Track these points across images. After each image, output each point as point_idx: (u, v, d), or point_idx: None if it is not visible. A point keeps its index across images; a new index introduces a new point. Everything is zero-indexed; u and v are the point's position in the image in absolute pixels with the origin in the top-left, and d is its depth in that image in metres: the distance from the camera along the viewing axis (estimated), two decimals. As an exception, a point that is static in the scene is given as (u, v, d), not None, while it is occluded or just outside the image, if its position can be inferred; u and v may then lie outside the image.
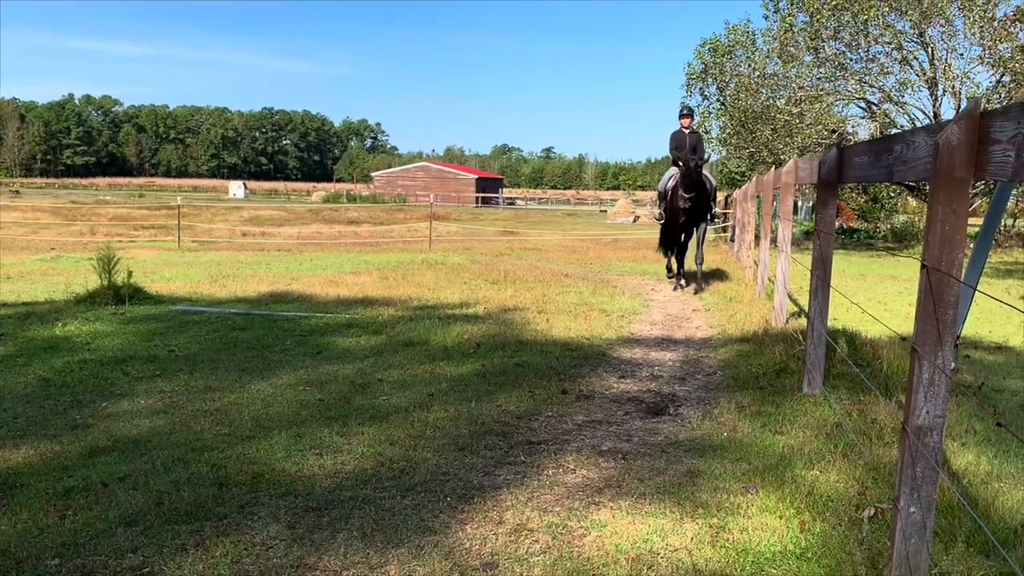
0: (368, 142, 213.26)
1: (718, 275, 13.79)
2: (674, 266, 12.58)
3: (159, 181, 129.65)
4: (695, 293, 11.57)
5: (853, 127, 24.70)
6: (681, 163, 11.27)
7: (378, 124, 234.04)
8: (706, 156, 12.70)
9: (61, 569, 3.02)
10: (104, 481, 3.87)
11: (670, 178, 11.95)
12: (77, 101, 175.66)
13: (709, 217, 11.94)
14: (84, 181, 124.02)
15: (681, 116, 12.10)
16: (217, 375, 6.09)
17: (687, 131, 11.97)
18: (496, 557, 3.15)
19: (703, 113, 28.81)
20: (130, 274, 9.74)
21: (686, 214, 11.39)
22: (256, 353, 6.86)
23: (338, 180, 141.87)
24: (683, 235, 11.97)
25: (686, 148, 11.51)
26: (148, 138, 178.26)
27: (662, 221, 12.40)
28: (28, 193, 68.66)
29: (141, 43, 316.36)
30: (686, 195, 11.07)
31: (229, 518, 3.47)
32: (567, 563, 3.07)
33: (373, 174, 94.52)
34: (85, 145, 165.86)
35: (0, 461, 4.18)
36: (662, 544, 3.23)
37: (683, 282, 12.19)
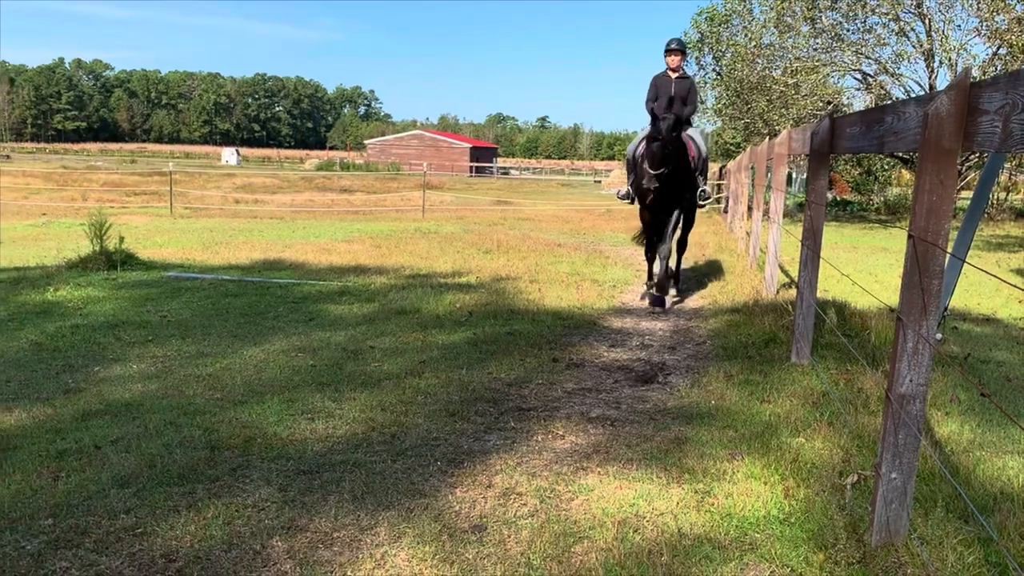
0: (362, 109, 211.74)
1: (711, 246, 13.81)
2: (656, 269, 8.36)
3: (151, 147, 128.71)
4: (665, 305, 8.04)
5: (849, 99, 24.60)
6: (652, 123, 7.63)
7: (372, 92, 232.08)
8: (696, 109, 8.86)
9: (55, 529, 3.06)
10: (97, 444, 3.90)
11: (640, 142, 8.29)
12: (67, 65, 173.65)
13: (694, 197, 8.35)
14: (75, 146, 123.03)
15: (667, 53, 8.43)
16: (209, 341, 6.11)
17: (674, 75, 8.39)
18: (485, 520, 3.20)
19: (698, 83, 28.57)
20: (122, 240, 9.71)
21: (654, 197, 7.85)
22: (248, 319, 6.88)
23: (331, 148, 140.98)
24: (658, 224, 8.21)
25: (668, 98, 8.05)
26: (140, 103, 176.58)
27: (628, 202, 8.73)
28: (19, 158, 68.09)
29: (132, 6, 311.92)
30: (652, 171, 7.38)
31: (221, 480, 3.51)
32: (554, 526, 3.12)
33: (367, 142, 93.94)
34: (76, 110, 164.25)
35: (-7, 424, 4.21)
36: (648, 508, 3.29)
37: (656, 291, 8.11)
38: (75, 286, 8.16)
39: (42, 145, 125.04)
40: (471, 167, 78.27)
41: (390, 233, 15.47)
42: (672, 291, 8.61)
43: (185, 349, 5.86)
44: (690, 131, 8.44)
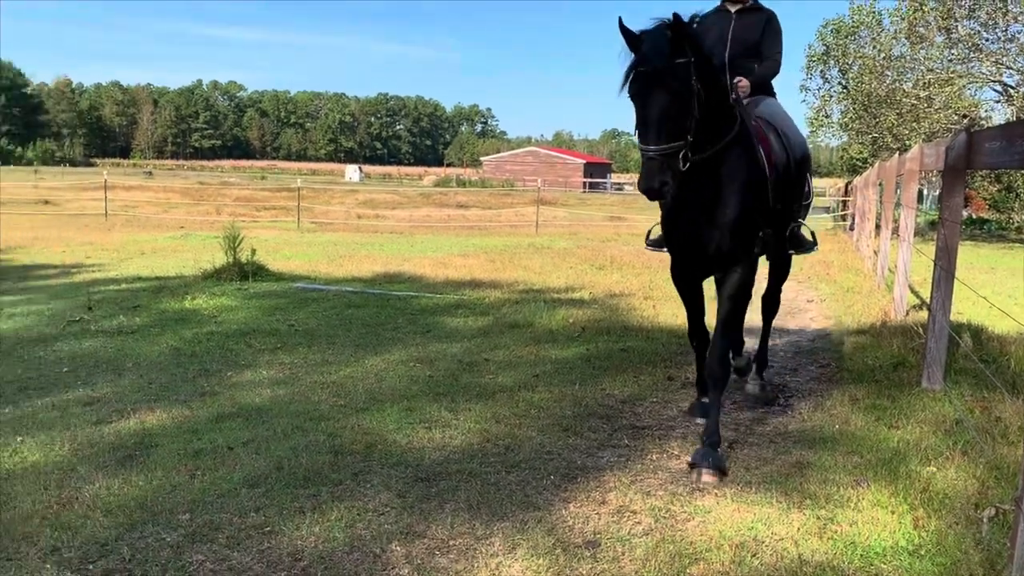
0: (478, 127, 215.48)
1: (836, 265, 13.31)
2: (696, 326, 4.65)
3: (280, 164, 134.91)
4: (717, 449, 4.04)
5: (987, 111, 23.30)
6: None
7: (488, 109, 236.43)
8: (778, 65, 4.88)
9: (192, 523, 3.25)
10: (229, 445, 4.12)
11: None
12: (205, 87, 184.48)
13: (780, 235, 4.66)
14: (211, 163, 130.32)
15: None
16: (334, 349, 6.34)
17: (735, 6, 4.84)
18: (598, 536, 3.19)
19: (823, 97, 27.64)
20: (253, 252, 10.22)
21: (684, 241, 4.24)
22: (370, 330, 7.11)
23: (448, 165, 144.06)
24: (694, 292, 4.58)
25: (722, 49, 4.75)
26: (270, 122, 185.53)
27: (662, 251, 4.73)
28: (160, 174, 72.70)
29: (265, 29, 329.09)
30: (648, 195, 3.60)
31: (344, 484, 3.64)
32: (669, 546, 3.09)
33: (482, 159, 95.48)
34: (212, 129, 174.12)
35: (137, 423, 4.51)
36: (767, 533, 3.20)
37: (709, 401, 4.23)
38: (210, 295, 8.64)
39: (180, 162, 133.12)
40: (585, 183, 78.26)
41: (504, 248, 15.65)
42: (754, 385, 5.34)
43: (311, 357, 6.11)
44: (765, 107, 4.74)
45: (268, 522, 3.27)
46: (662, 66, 3.52)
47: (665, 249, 4.50)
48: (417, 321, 7.58)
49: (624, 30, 3.62)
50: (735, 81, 4.47)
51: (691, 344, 4.70)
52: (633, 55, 3.61)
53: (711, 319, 4.42)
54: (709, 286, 4.68)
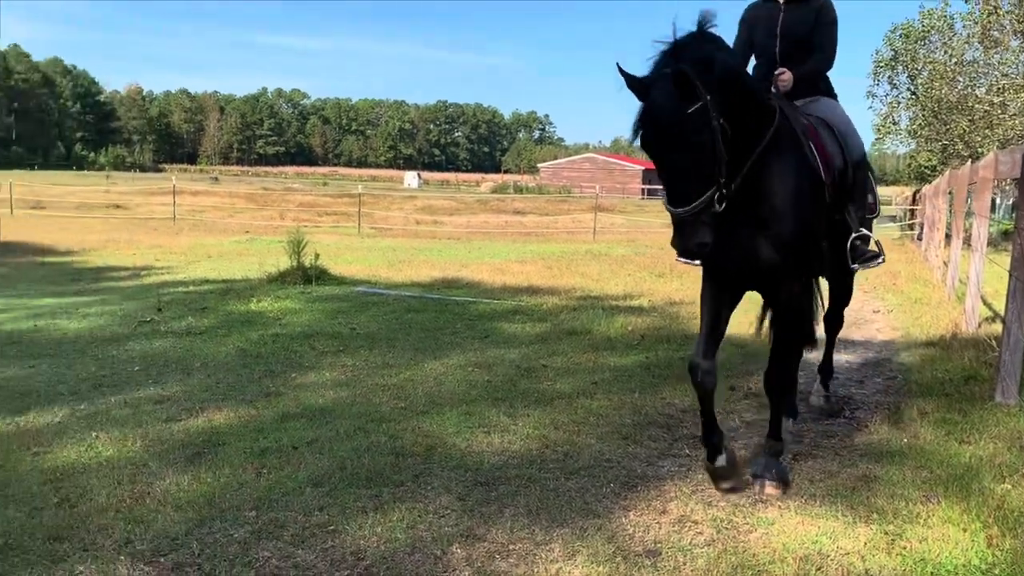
0: (536, 134, 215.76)
1: (903, 275, 12.98)
2: (703, 351, 3.67)
3: (341, 170, 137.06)
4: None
5: (1065, 118, 22.45)
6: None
7: (546, 116, 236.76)
8: (831, 59, 4.43)
9: (258, 520, 3.32)
10: (294, 444, 4.21)
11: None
12: (270, 94, 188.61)
13: (841, 252, 4.17)
14: (274, 169, 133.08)
15: None
16: (394, 353, 6.42)
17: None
18: (659, 545, 3.17)
19: (891, 103, 26.98)
20: (317, 257, 10.41)
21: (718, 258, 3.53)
22: (429, 334, 7.17)
23: (506, 171, 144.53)
24: (717, 315, 3.77)
25: (772, 44, 4.38)
26: (332, 129, 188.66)
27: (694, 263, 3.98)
28: (225, 180, 74.49)
29: (328, 38, 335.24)
30: (675, 212, 3.13)
31: (405, 486, 3.68)
32: (731, 557, 3.05)
33: (539, 165, 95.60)
34: (276, 136, 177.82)
35: (205, 421, 4.63)
36: (832, 547, 3.14)
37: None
38: (275, 298, 8.82)
39: (245, 168, 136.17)
40: (643, 189, 77.75)
41: (561, 254, 15.64)
42: (818, 396, 5.07)
43: (372, 360, 6.19)
44: (822, 107, 4.33)
45: (331, 521, 3.32)
46: (674, 119, 3.01)
47: (697, 260, 3.62)
48: (475, 326, 7.62)
49: (625, 76, 3.15)
50: (776, 74, 4.14)
51: (689, 372, 3.67)
52: (640, 103, 3.13)
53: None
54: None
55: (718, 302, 3.76)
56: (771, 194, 3.47)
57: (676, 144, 3.04)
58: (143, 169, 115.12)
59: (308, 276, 10.15)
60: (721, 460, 3.66)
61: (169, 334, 7.04)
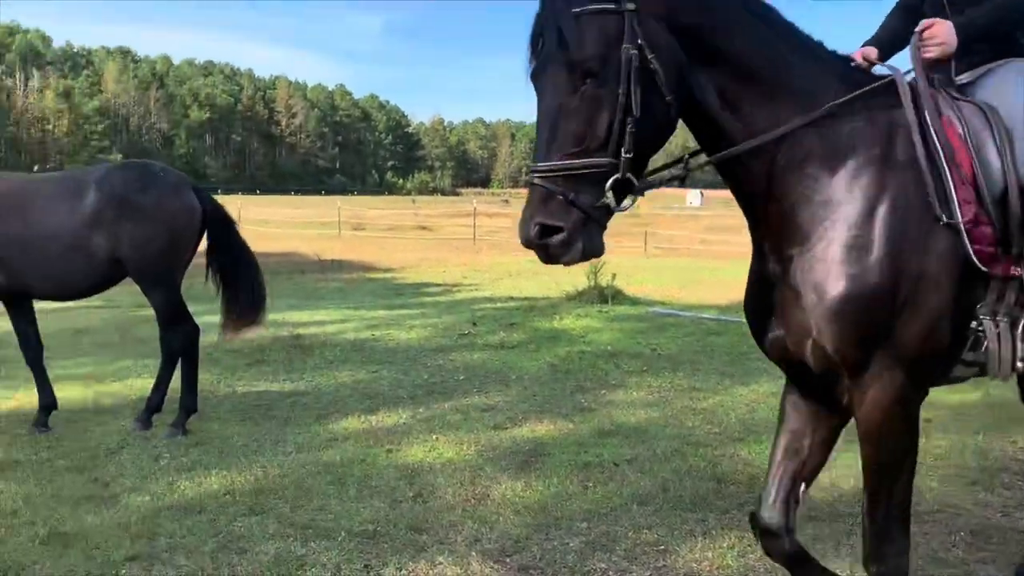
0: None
1: None
2: (772, 496, 2.43)
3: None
4: None
5: None
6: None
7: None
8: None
9: (590, 532, 3.46)
10: (615, 461, 4.33)
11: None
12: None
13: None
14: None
15: None
16: (699, 376, 6.37)
17: None
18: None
19: None
20: (614, 277, 10.64)
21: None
22: (734, 359, 7.03)
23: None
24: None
25: None
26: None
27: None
28: (516, 202, 78.58)
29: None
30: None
31: (730, 513, 3.64)
32: None
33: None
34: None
35: (528, 431, 4.92)
36: None
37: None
38: (575, 316, 9.15)
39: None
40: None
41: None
42: None
43: (677, 382, 6.20)
44: (996, 81, 2.37)
45: (661, 540, 3.37)
46: (560, 24, 1.90)
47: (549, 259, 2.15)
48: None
49: None
50: (918, 30, 2.30)
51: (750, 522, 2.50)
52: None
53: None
54: None
55: (794, 409, 2.51)
56: (810, 233, 2.15)
57: (551, 62, 1.93)
58: (443, 193, 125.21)
59: (604, 295, 10.42)
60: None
61: (485, 347, 7.57)
